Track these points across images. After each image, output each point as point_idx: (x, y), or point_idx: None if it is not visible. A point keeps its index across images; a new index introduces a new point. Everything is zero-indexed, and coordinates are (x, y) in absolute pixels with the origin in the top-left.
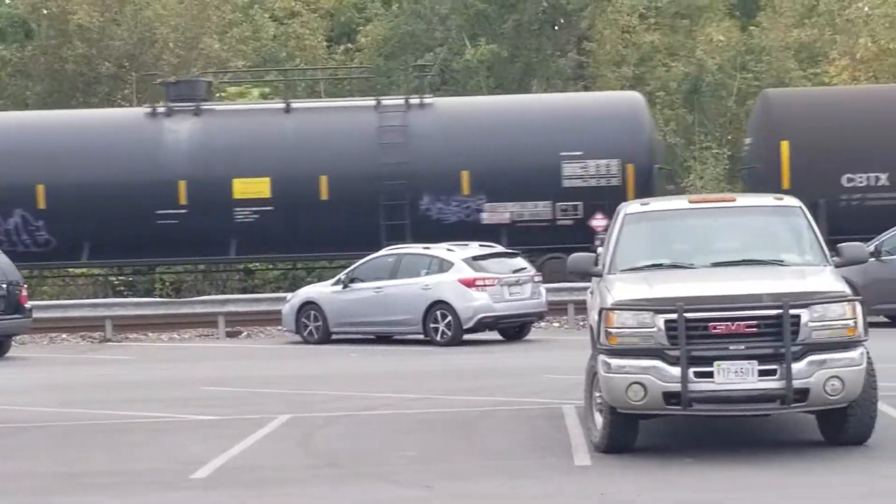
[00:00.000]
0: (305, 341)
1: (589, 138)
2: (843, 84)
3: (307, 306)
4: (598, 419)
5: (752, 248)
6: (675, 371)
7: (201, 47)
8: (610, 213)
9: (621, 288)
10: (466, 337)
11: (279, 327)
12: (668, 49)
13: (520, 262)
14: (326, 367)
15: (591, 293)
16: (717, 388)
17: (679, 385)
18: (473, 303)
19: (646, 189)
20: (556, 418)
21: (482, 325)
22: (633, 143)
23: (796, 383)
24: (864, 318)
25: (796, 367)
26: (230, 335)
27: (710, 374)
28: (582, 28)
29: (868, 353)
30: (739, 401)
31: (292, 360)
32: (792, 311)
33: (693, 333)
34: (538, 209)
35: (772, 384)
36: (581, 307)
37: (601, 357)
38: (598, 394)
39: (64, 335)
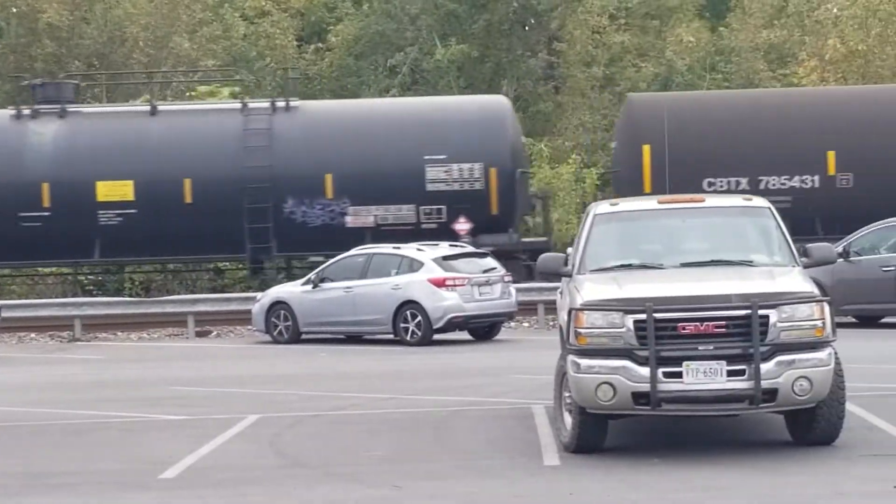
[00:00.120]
0: (275, 341)
1: (453, 142)
2: (812, 85)
3: (277, 306)
4: (568, 419)
5: (721, 248)
6: (645, 371)
7: (171, 46)
8: (472, 217)
9: (591, 288)
10: (436, 337)
11: (249, 327)
12: (638, 50)
13: (490, 262)
14: (296, 366)
15: (561, 293)
16: (686, 389)
17: (648, 385)
18: (443, 303)
19: (508, 193)
20: (526, 418)
21: (452, 325)
22: (497, 148)
23: (765, 383)
24: (833, 318)
25: (765, 367)
26: (200, 335)
27: (678, 375)
28: (552, 28)
29: (836, 353)
30: (708, 401)
31: (262, 359)
32: (760, 312)
33: (662, 334)
34: (402, 213)
35: (740, 384)
36: (551, 307)
37: (571, 357)
38: (567, 394)
39: (33, 335)
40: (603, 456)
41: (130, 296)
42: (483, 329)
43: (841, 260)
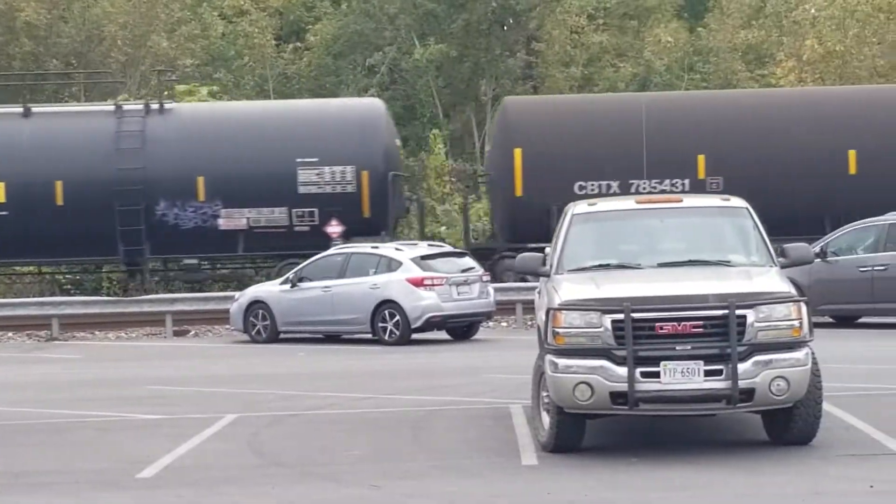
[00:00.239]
0: (253, 340)
1: (325, 145)
2: (789, 86)
3: (255, 305)
4: (546, 419)
5: (699, 248)
6: (622, 371)
7: (149, 45)
8: (344, 220)
9: (568, 288)
10: (415, 336)
11: (227, 326)
12: (616, 50)
13: (468, 261)
14: (274, 366)
15: (539, 293)
16: (664, 388)
17: (626, 385)
18: (421, 302)
19: (381, 196)
20: (504, 418)
21: (430, 325)
22: (369, 151)
23: (742, 383)
24: (809, 318)
25: (742, 367)
26: (178, 334)
27: (656, 374)
28: (531, 28)
29: (813, 353)
30: (685, 401)
31: (240, 359)
32: (738, 312)
33: (640, 333)
34: (274, 215)
35: (718, 384)
36: (529, 307)
37: (548, 357)
38: (545, 393)
39: (10, 334)
40: (581, 455)
41: (108, 295)
42: (461, 329)
43: (818, 260)
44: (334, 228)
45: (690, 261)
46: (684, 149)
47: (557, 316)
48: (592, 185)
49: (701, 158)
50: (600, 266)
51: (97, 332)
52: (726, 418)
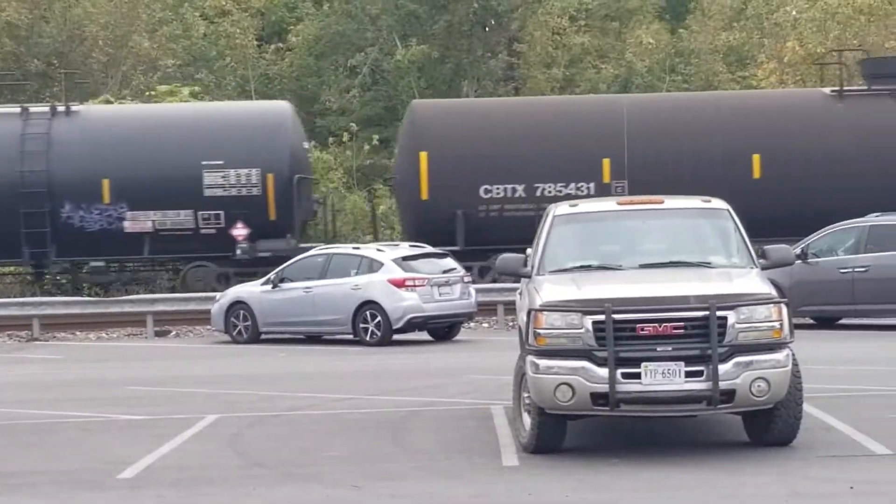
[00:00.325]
0: (234, 341)
1: (231, 148)
2: (770, 87)
3: (236, 306)
4: (527, 420)
5: (680, 249)
6: (603, 372)
7: (131, 45)
8: (250, 223)
9: (550, 289)
10: (396, 337)
11: (208, 327)
12: (598, 51)
13: (449, 262)
14: (255, 367)
15: (520, 294)
16: (645, 390)
17: (607, 386)
18: (403, 303)
19: (286, 199)
20: (485, 419)
21: (412, 326)
22: (275, 154)
23: (723, 384)
24: (790, 320)
25: (723, 368)
26: (159, 334)
27: (637, 376)
28: (512, 29)
29: (794, 354)
30: (666, 402)
31: (221, 359)
32: (718, 313)
33: (621, 335)
34: (180, 218)
35: (698, 385)
36: (510, 308)
37: (530, 358)
38: (526, 394)
39: None
40: (562, 456)
41: (89, 295)
42: (442, 329)
43: (799, 262)
44: (240, 231)
45: (672, 262)
46: (590, 152)
47: (539, 317)
48: (498, 188)
49: (606, 162)
50: (582, 267)
51: (78, 333)
52: (707, 419)
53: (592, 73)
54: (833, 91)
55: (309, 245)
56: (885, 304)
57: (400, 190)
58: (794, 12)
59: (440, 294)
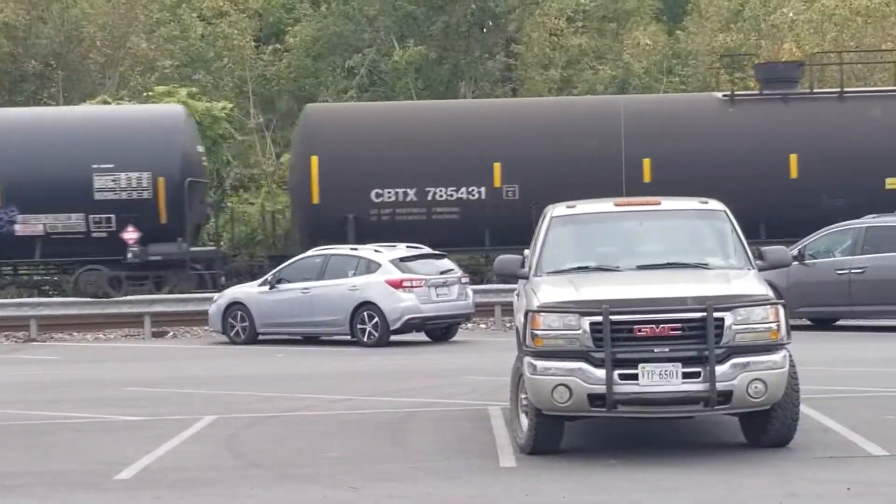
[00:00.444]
0: (232, 342)
1: (122, 151)
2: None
3: (234, 307)
4: (524, 421)
5: (677, 251)
6: (600, 373)
7: (129, 46)
8: (141, 226)
9: (547, 290)
10: (393, 338)
11: (206, 328)
12: (595, 52)
13: (447, 263)
14: (253, 367)
15: (518, 295)
16: (642, 391)
17: (604, 387)
18: (401, 304)
19: (177, 202)
20: (482, 420)
21: (409, 327)
22: (166, 157)
23: (720, 386)
24: (787, 321)
25: (720, 369)
26: (156, 335)
27: (634, 377)
28: (510, 31)
29: (791, 355)
30: (663, 403)
31: (218, 360)
32: (715, 314)
33: (618, 336)
34: (71, 221)
35: (695, 386)
36: (508, 309)
37: (527, 359)
38: (523, 395)
39: None
40: (559, 457)
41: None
42: (440, 330)
43: (796, 263)
44: (131, 235)
45: (669, 263)
46: (480, 157)
47: (536, 318)
48: (389, 192)
49: (497, 166)
50: (579, 268)
51: (75, 334)
52: (704, 420)
53: (590, 74)
54: (725, 95)
55: (199, 250)
56: (882, 305)
57: (293, 193)
58: (791, 14)
59: (438, 295)
